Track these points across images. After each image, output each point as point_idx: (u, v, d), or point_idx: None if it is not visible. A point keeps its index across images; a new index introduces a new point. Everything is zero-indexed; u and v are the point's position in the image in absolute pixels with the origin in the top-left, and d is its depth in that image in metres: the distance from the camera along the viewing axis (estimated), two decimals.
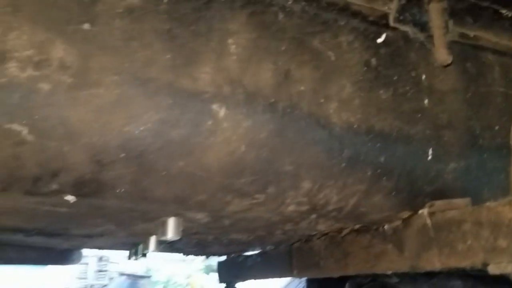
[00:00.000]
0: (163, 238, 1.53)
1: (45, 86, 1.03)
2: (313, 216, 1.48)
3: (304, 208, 1.39)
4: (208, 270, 14.13)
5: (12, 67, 1.00)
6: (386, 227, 1.61)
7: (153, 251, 2.03)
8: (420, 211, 1.50)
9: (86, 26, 1.08)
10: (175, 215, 1.51)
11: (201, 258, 3.54)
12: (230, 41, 1.23)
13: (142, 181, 1.19)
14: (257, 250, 2.73)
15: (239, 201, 1.32)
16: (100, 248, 2.95)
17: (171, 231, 1.51)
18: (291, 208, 1.38)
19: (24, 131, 1.03)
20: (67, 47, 1.05)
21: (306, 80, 1.29)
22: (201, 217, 1.52)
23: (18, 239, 2.43)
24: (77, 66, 1.06)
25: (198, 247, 2.53)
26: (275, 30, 1.29)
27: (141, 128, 1.11)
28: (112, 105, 1.08)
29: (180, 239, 1.72)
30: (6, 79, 1.00)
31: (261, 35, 1.27)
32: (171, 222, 1.51)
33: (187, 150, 1.17)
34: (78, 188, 1.17)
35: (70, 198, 1.20)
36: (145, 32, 1.14)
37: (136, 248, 2.40)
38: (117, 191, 1.20)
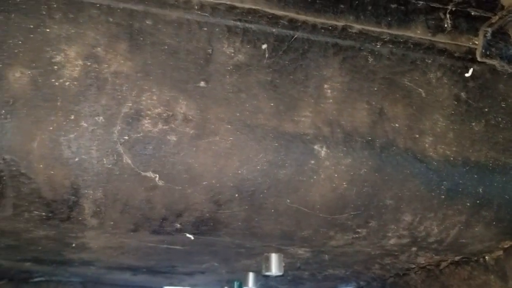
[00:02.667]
0: (267, 273, 1.62)
1: (172, 138, 1.19)
2: (414, 248, 1.51)
3: (405, 241, 1.43)
4: None
5: (146, 123, 1.18)
6: (487, 257, 1.60)
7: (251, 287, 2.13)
8: None
9: (203, 83, 1.25)
10: (277, 251, 1.60)
11: None
12: (325, 85, 1.34)
13: (253, 218, 1.30)
14: (350, 286, 2.73)
15: (341, 235, 1.39)
16: (195, 286, 3.08)
17: (275, 266, 1.60)
18: (392, 241, 1.43)
19: (156, 177, 1.19)
20: (188, 103, 1.22)
21: (399, 117, 1.36)
22: (302, 252, 1.61)
23: (123, 278, 2.63)
24: (197, 119, 1.21)
25: (291, 284, 2.59)
26: (366, 72, 1.38)
27: (253, 170, 1.24)
28: (227, 150, 1.22)
29: (276, 277, 1.80)
30: (142, 134, 1.17)
31: (354, 78, 1.37)
32: (274, 258, 1.60)
33: (293, 188, 1.27)
34: (197, 226, 1.30)
35: (190, 236, 1.34)
36: (251, 84, 1.28)
37: (231, 285, 2.50)
38: (231, 228, 1.32)
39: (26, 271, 2.28)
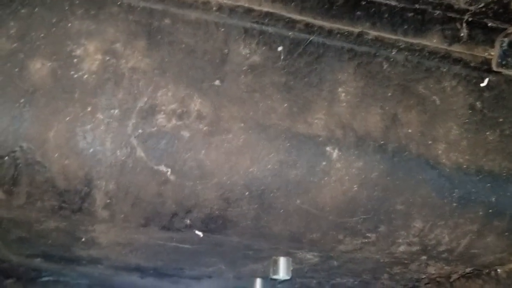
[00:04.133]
0: (275, 277, 1.61)
1: (185, 134, 1.21)
2: (424, 257, 1.49)
3: (415, 248, 1.41)
4: None
5: (160, 118, 1.20)
6: (499, 270, 1.57)
7: None
8: None
9: (217, 82, 1.27)
10: (286, 254, 1.60)
11: None
12: (340, 89, 1.35)
13: (262, 218, 1.30)
14: None
15: (350, 240, 1.38)
16: None
17: (282, 270, 1.59)
18: (402, 248, 1.41)
19: (168, 172, 1.20)
20: (203, 100, 1.24)
21: (413, 123, 1.36)
22: (311, 257, 1.60)
23: (130, 281, 2.63)
24: (211, 116, 1.23)
25: None
26: (381, 78, 1.39)
27: (263, 169, 1.25)
28: (239, 148, 1.23)
29: (283, 284, 1.79)
30: (156, 128, 1.19)
31: (368, 83, 1.37)
32: (282, 262, 1.60)
33: (303, 189, 1.27)
34: (206, 224, 1.31)
35: (199, 233, 1.34)
36: (265, 85, 1.29)
37: None
38: (240, 227, 1.32)
39: (35, 269, 2.30)
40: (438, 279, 1.78)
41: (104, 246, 1.59)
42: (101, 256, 1.81)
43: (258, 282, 2.09)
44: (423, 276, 1.79)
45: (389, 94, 1.38)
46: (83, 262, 1.95)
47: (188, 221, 1.29)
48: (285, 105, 1.29)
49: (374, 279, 1.90)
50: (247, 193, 1.25)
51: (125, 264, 2.00)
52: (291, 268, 1.62)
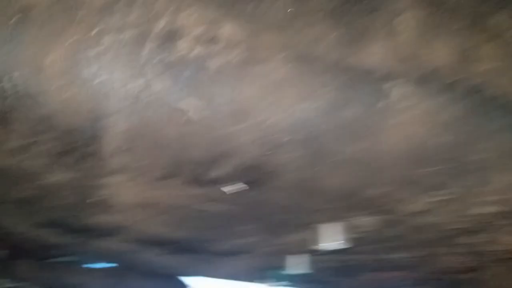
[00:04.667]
0: (320, 246, 1.38)
1: (213, 64, 0.98)
2: (502, 222, 1.24)
3: (494, 209, 1.17)
4: None
5: (182, 45, 0.97)
6: None
7: (294, 271, 1.88)
8: None
9: (252, 5, 1.04)
10: (330, 219, 1.36)
11: None
12: (398, 19, 1.12)
13: (310, 168, 1.08)
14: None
15: (415, 198, 1.14)
16: (225, 277, 2.85)
17: (328, 238, 1.36)
18: (477, 209, 1.17)
19: (192, 110, 0.98)
20: (234, 25, 1.01)
21: (486, 60, 1.13)
22: (366, 222, 1.35)
23: (146, 259, 2.42)
24: (245, 44, 1.01)
25: (338, 274, 2.29)
26: (446, 8, 1.15)
27: (310, 108, 1.02)
28: (279, 83, 1.01)
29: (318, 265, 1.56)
30: (176, 57, 0.97)
31: (432, 13, 1.14)
32: (331, 228, 1.36)
33: (358, 134, 1.05)
34: (240, 175, 1.09)
35: (230, 188, 1.12)
36: (310, 10, 1.07)
37: (271, 272, 2.26)
38: (281, 180, 1.09)
39: (44, 245, 2.11)
40: (507, 256, 1.51)
41: (118, 209, 1.37)
42: (116, 222, 1.57)
43: (292, 260, 1.85)
44: (490, 249, 1.53)
45: (457, 27, 1.15)
46: (95, 233, 1.72)
47: (217, 173, 1.06)
48: (334, 34, 1.06)
49: (433, 255, 1.64)
50: (290, 137, 1.03)
51: (142, 234, 1.77)
52: (341, 236, 1.37)
